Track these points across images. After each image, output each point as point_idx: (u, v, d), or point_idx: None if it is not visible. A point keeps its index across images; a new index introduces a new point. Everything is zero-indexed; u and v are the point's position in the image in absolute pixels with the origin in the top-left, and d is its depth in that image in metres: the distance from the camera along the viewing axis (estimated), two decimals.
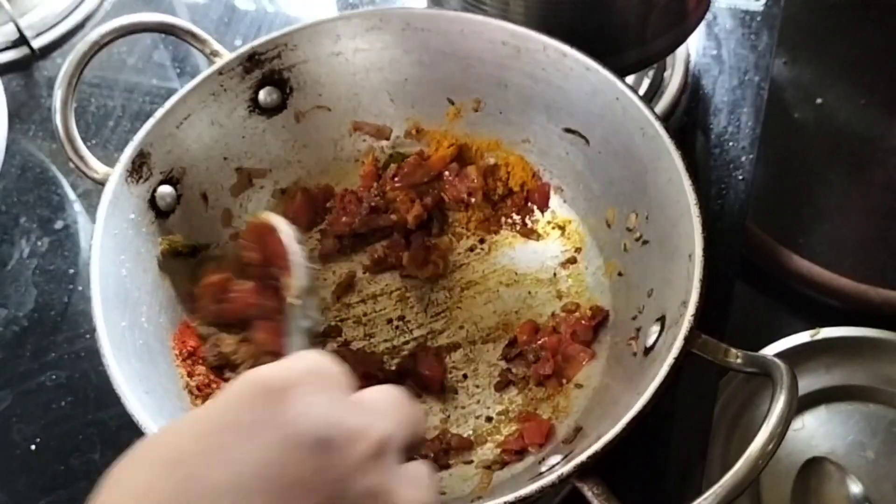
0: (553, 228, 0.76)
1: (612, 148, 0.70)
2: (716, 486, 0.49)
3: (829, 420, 0.85)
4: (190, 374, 0.65)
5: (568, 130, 0.73)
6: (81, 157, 0.68)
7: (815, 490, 0.79)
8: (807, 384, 0.85)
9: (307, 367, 0.40)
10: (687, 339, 0.56)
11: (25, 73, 0.95)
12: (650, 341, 0.61)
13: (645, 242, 0.67)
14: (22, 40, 0.96)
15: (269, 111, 0.75)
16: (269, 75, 0.74)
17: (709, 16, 0.90)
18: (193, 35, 0.73)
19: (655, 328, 0.61)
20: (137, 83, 0.94)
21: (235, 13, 1.00)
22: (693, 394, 0.72)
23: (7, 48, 0.96)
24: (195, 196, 0.72)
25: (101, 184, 0.66)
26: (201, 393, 0.65)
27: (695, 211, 0.60)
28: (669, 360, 0.55)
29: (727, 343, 0.56)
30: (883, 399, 0.85)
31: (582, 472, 0.52)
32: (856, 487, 0.77)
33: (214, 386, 0.66)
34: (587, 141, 0.72)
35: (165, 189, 0.69)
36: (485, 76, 0.74)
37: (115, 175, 0.65)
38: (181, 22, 0.73)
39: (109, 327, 0.59)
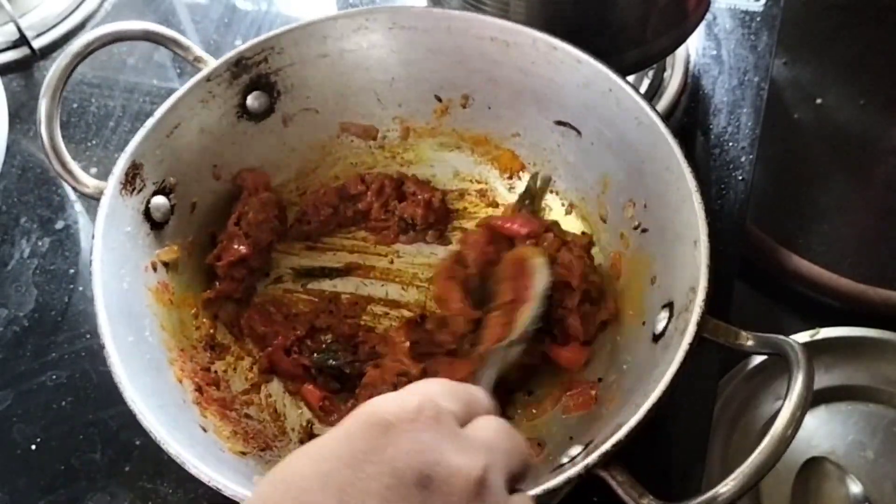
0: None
1: (606, 139, 0.70)
2: (743, 467, 0.49)
3: (829, 420, 0.85)
4: (199, 390, 0.65)
5: (559, 123, 0.73)
6: (70, 172, 0.68)
7: (815, 490, 0.79)
8: None
9: (420, 403, 0.41)
10: (699, 324, 0.56)
11: (26, 74, 0.96)
12: (659, 328, 0.61)
13: (644, 231, 0.67)
14: (22, 40, 0.96)
15: (258, 116, 0.75)
16: (257, 80, 0.73)
17: (709, 16, 0.90)
18: (176, 42, 0.72)
19: (664, 315, 0.61)
20: (137, 83, 0.94)
21: (235, 13, 1.00)
22: (693, 394, 0.72)
23: (7, 48, 0.96)
24: (188, 206, 0.72)
25: (92, 197, 0.66)
26: (209, 406, 0.65)
27: (696, 198, 0.61)
28: (684, 346, 0.55)
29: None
30: (883, 399, 0.85)
31: (606, 460, 0.52)
32: (856, 487, 0.77)
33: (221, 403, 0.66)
34: (579, 133, 0.72)
35: (159, 200, 0.69)
36: (473, 72, 0.74)
37: (109, 188, 0.65)
38: (164, 29, 0.72)
39: (118, 344, 0.59)
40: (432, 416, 0.41)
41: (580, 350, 0.68)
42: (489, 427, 0.43)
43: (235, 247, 0.72)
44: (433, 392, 0.43)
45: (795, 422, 0.50)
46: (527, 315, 0.66)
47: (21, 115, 0.91)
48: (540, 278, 0.67)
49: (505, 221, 0.74)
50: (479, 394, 0.46)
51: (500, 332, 0.66)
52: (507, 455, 0.42)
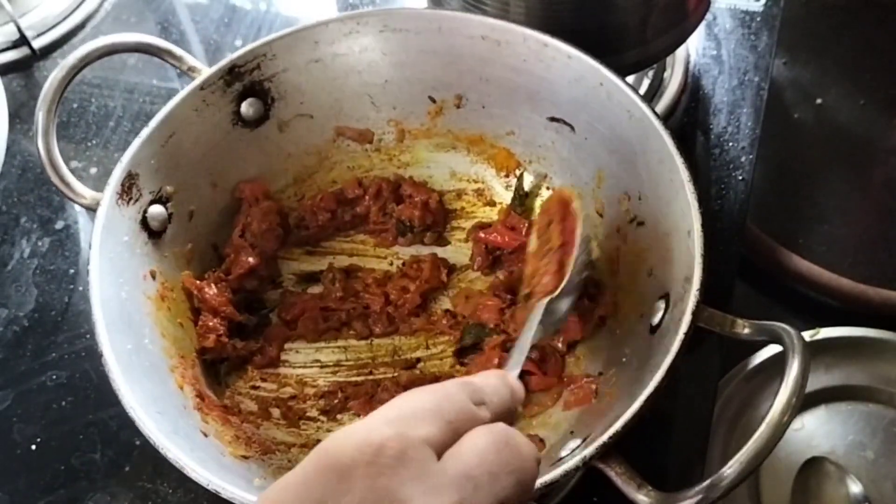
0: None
1: (599, 133, 0.70)
2: (739, 454, 0.49)
3: (829, 420, 0.85)
4: (200, 397, 0.65)
5: (553, 119, 0.73)
6: (67, 184, 0.68)
7: (814, 490, 0.79)
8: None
9: (382, 441, 0.37)
10: (694, 313, 0.56)
11: (26, 74, 0.96)
12: (656, 319, 0.61)
13: (640, 224, 0.67)
14: (22, 40, 0.96)
15: (253, 123, 0.75)
16: (250, 87, 0.73)
17: (709, 16, 0.90)
18: (170, 53, 0.72)
19: (661, 306, 0.61)
20: (138, 83, 0.94)
21: (235, 13, 1.00)
22: (693, 394, 0.72)
23: (8, 48, 0.96)
24: (185, 214, 0.72)
25: (89, 208, 0.66)
26: (210, 412, 0.65)
27: (689, 188, 0.61)
28: (680, 335, 0.56)
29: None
30: (883, 399, 0.85)
31: (604, 453, 0.52)
32: (856, 487, 0.77)
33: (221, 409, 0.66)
34: (572, 128, 0.72)
35: (156, 209, 0.69)
36: (465, 72, 0.74)
37: (105, 198, 0.65)
38: (158, 41, 0.73)
39: (116, 352, 0.59)
40: (394, 454, 0.36)
41: (550, 379, 0.68)
42: (477, 445, 0.38)
43: (243, 258, 0.72)
44: (408, 414, 0.39)
45: (792, 407, 0.50)
46: (570, 262, 0.64)
47: (21, 115, 0.91)
48: (580, 223, 0.66)
49: (491, 233, 0.74)
50: (485, 391, 0.41)
51: (553, 280, 0.64)
52: (492, 478, 0.38)
